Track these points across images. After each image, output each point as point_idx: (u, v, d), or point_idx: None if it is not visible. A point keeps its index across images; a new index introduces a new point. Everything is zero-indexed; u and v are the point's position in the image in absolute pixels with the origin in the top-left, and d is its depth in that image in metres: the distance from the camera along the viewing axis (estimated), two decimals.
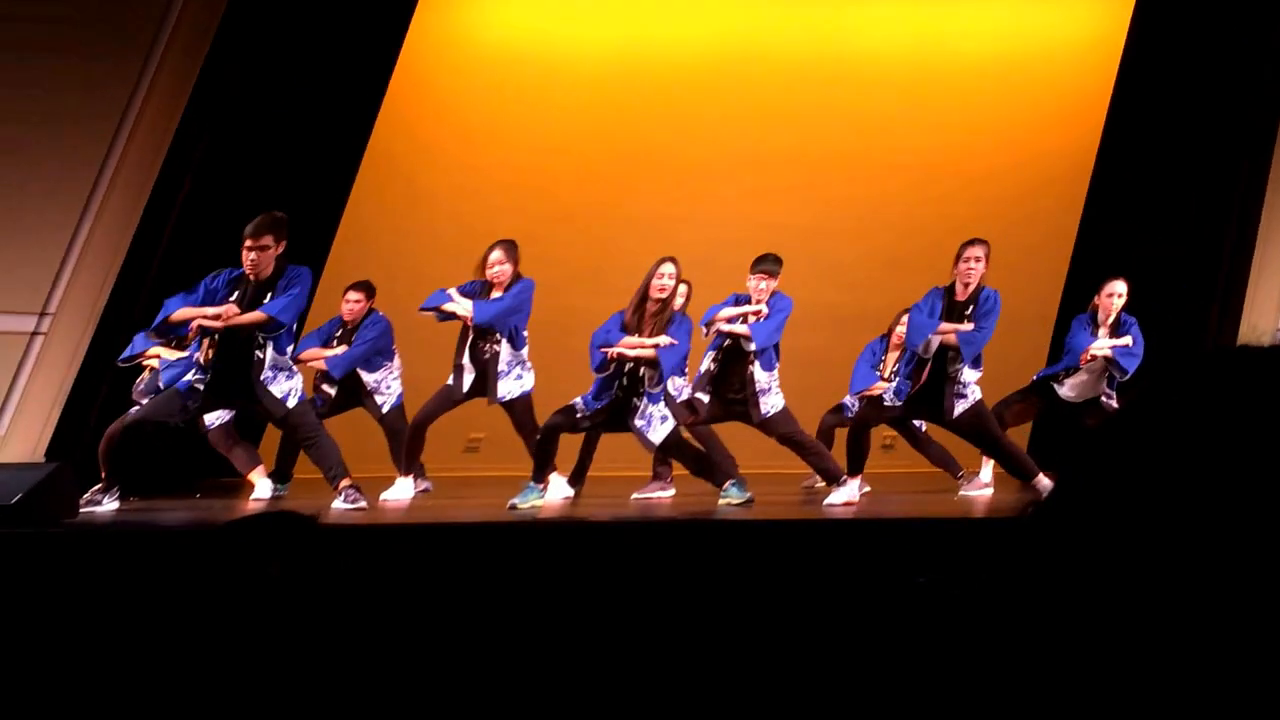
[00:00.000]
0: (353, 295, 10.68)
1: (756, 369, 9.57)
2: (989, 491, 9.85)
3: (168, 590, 2.41)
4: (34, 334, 10.38)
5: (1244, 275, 11.32)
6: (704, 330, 9.63)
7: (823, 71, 13.73)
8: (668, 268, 9.28)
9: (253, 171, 11.45)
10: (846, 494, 9.11)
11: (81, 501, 8.81)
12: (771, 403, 9.58)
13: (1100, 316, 10.03)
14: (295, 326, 9.38)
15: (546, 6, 13.78)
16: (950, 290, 9.30)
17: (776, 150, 13.54)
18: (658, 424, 9.16)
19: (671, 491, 9.86)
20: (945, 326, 9.11)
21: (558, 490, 9.61)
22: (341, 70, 12.15)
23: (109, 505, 8.88)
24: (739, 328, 9.55)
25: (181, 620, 2.35)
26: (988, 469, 10.03)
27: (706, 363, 9.70)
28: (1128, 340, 9.88)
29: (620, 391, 9.25)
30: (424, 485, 10.03)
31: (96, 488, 9.00)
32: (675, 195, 13.31)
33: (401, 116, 13.15)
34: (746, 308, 9.60)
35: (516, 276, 9.76)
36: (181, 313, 8.96)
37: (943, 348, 9.19)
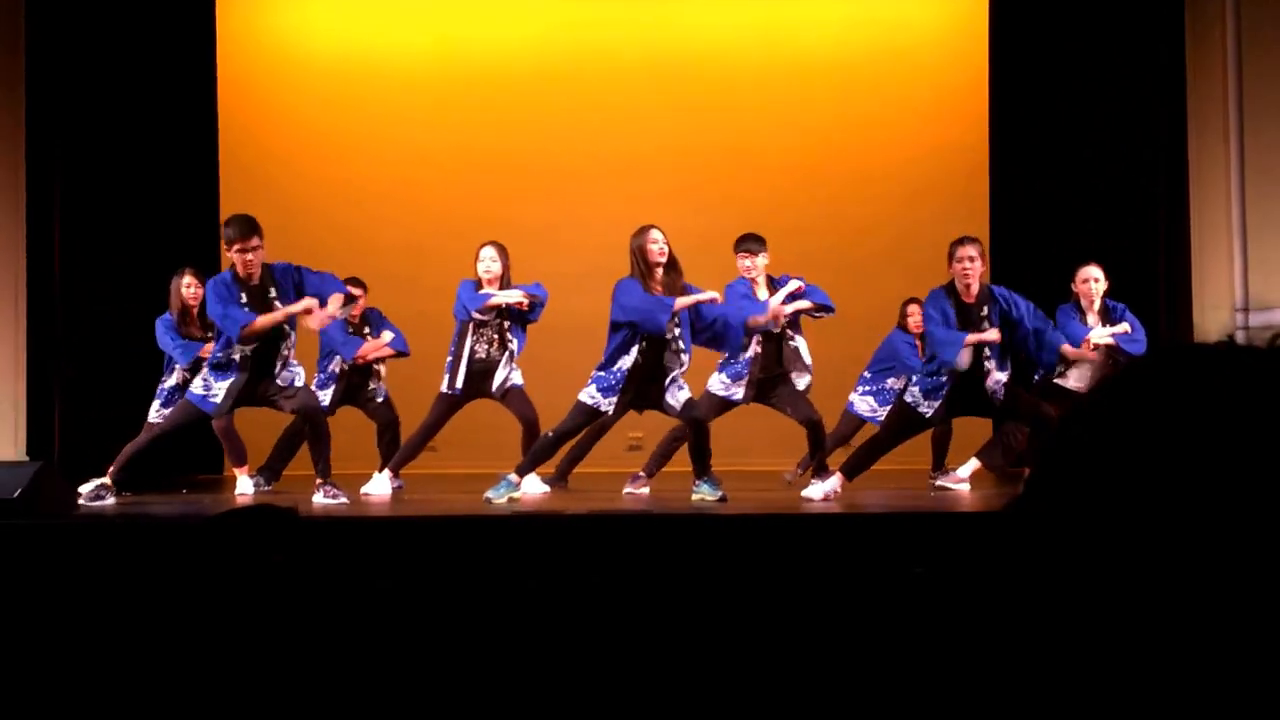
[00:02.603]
0: (354, 291, 10.77)
1: (799, 342, 9.66)
2: (965, 488, 9.78)
3: (159, 583, 2.49)
4: None
5: (1185, 262, 11.30)
6: (761, 323, 9.51)
7: (676, 69, 13.80)
8: (655, 234, 9.22)
9: (118, 189, 11.94)
10: (826, 489, 9.03)
11: (86, 496, 8.95)
12: (809, 380, 9.66)
13: (1084, 304, 10.08)
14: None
15: (354, 13, 14.06)
16: (953, 292, 9.19)
17: (646, 154, 13.61)
18: (678, 389, 9.18)
19: (646, 490, 9.85)
20: (972, 338, 9.01)
21: (532, 486, 9.64)
22: (165, 78, 12.54)
23: (110, 500, 9.05)
24: (803, 303, 9.58)
25: (171, 611, 2.44)
26: (967, 466, 9.94)
27: (751, 350, 9.63)
28: (1126, 327, 9.92)
29: (640, 356, 9.14)
30: (397, 483, 10.09)
31: (100, 483, 9.12)
32: (553, 202, 13.39)
33: (243, 126, 13.36)
34: (789, 287, 9.62)
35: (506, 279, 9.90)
36: (267, 319, 9.03)
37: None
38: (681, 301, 9.09)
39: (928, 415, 9.23)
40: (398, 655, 2.68)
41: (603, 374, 9.17)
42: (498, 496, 8.92)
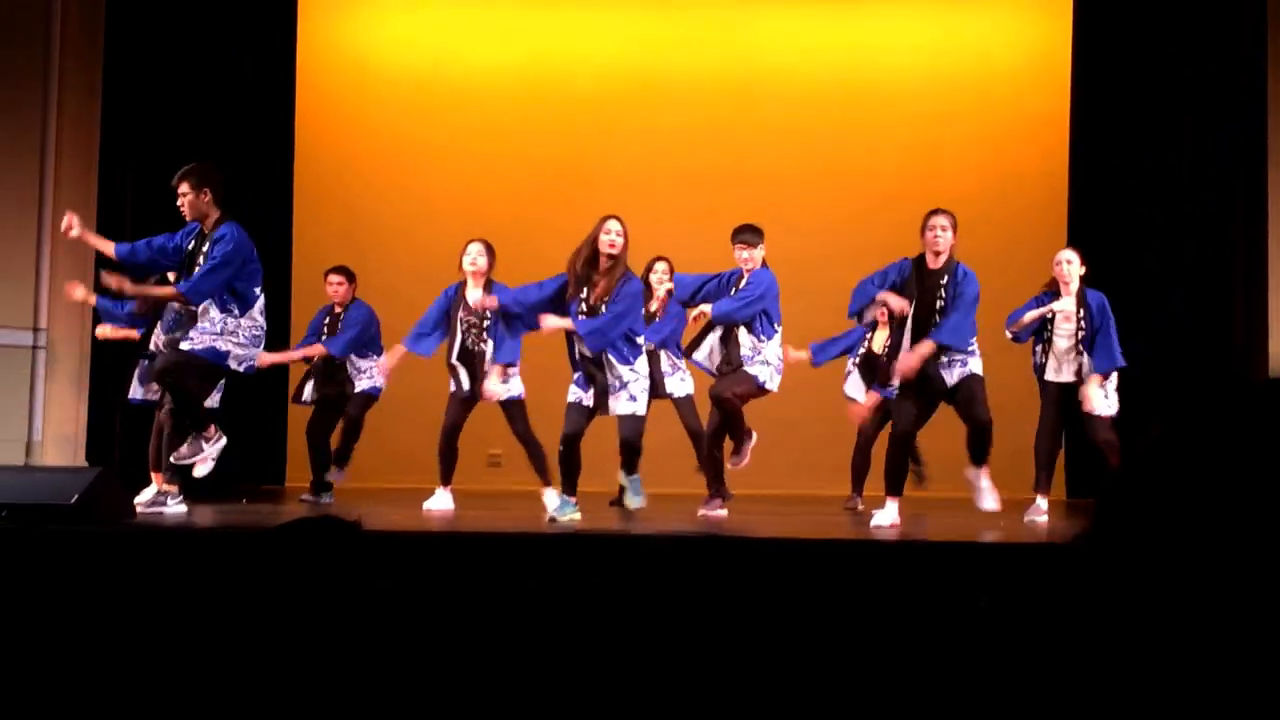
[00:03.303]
0: (334, 278, 10.97)
1: (741, 333, 9.56)
2: (1044, 519, 9.56)
3: (219, 592, 2.44)
4: (34, 348, 10.82)
5: (1262, 295, 11.16)
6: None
7: (752, 91, 13.85)
8: (614, 224, 9.21)
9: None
10: (890, 515, 8.85)
11: (148, 503, 8.85)
12: (758, 372, 9.54)
13: (1061, 288, 9.96)
14: (251, 287, 9.08)
15: (430, 27, 14.20)
16: (920, 260, 9.14)
17: (718, 173, 13.63)
18: (624, 398, 9.07)
19: (723, 511, 9.64)
20: (882, 296, 9.01)
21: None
22: (244, 85, 12.75)
23: (177, 508, 8.79)
24: (703, 306, 9.63)
25: (226, 619, 2.38)
26: (1044, 499, 9.74)
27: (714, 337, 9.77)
28: (1047, 310, 9.89)
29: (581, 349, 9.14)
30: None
31: (164, 489, 8.97)
32: (622, 214, 13.40)
33: (318, 134, 13.53)
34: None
35: (490, 279, 10.02)
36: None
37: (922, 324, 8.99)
38: (550, 323, 9.12)
39: (920, 404, 9.08)
40: (458, 669, 2.60)
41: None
42: (562, 515, 8.87)
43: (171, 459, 8.82)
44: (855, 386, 10.97)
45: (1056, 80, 13.21)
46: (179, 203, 8.99)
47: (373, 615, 2.41)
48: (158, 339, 9.59)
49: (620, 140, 13.77)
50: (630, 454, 9.15)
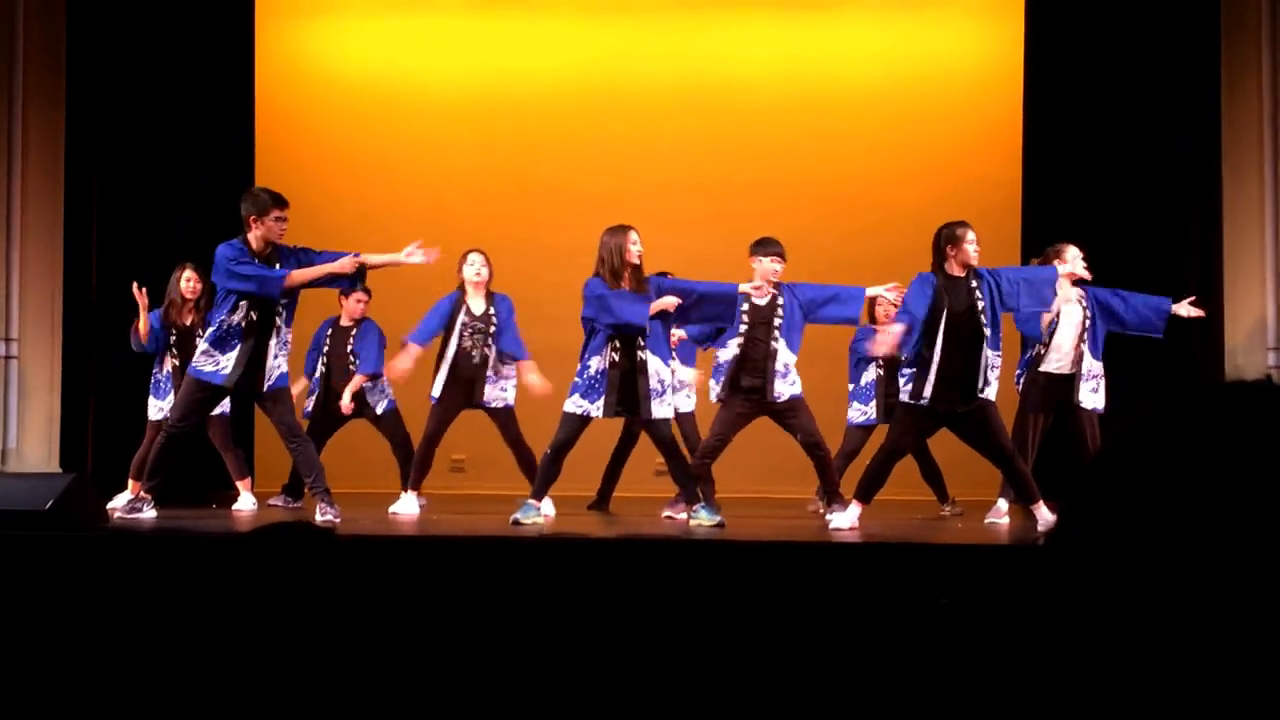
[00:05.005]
0: (360, 295, 10.89)
1: (781, 347, 9.57)
2: (1005, 521, 9.66)
3: (191, 597, 2.50)
4: (7, 357, 10.83)
5: (1218, 304, 11.21)
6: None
7: (708, 99, 13.86)
8: (635, 234, 9.37)
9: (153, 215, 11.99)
10: (850, 518, 8.89)
11: (124, 508, 8.91)
12: (787, 389, 9.58)
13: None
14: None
15: (390, 39, 14.21)
16: (939, 271, 9.17)
17: (676, 182, 13.63)
18: (664, 403, 9.13)
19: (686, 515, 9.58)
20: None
21: (545, 506, 9.62)
22: (203, 101, 12.78)
23: (149, 513, 8.85)
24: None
25: (200, 625, 2.44)
26: (1005, 501, 9.78)
27: (733, 348, 9.68)
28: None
29: (615, 354, 9.17)
30: (420, 501, 10.10)
31: (140, 495, 9.02)
32: (584, 226, 13.30)
33: (278, 149, 13.53)
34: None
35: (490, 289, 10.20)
36: (306, 273, 9.19)
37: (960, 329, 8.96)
38: (660, 303, 9.15)
39: (924, 410, 8.99)
40: (425, 676, 2.68)
41: (579, 379, 9.19)
42: (526, 519, 8.92)
43: (319, 519, 8.77)
44: (856, 411, 10.86)
45: (1010, 87, 13.24)
46: (285, 226, 9.02)
47: (348, 620, 2.48)
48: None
49: (580, 151, 13.74)
50: (673, 457, 9.17)
